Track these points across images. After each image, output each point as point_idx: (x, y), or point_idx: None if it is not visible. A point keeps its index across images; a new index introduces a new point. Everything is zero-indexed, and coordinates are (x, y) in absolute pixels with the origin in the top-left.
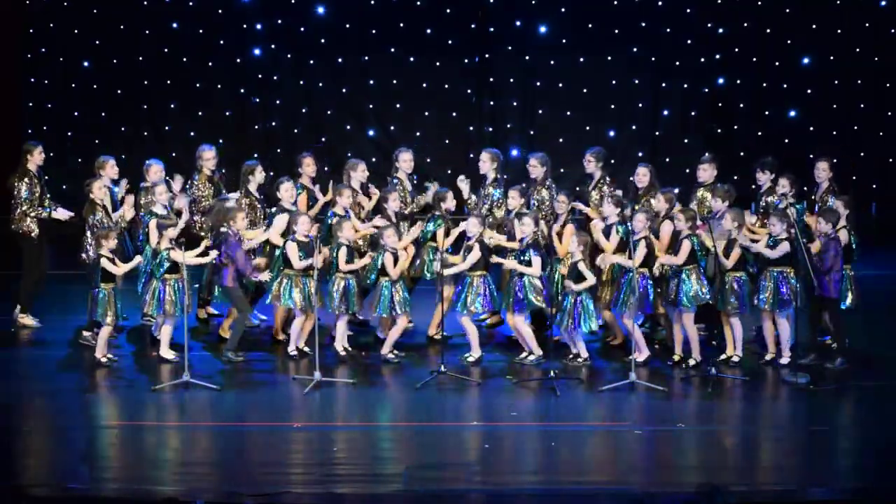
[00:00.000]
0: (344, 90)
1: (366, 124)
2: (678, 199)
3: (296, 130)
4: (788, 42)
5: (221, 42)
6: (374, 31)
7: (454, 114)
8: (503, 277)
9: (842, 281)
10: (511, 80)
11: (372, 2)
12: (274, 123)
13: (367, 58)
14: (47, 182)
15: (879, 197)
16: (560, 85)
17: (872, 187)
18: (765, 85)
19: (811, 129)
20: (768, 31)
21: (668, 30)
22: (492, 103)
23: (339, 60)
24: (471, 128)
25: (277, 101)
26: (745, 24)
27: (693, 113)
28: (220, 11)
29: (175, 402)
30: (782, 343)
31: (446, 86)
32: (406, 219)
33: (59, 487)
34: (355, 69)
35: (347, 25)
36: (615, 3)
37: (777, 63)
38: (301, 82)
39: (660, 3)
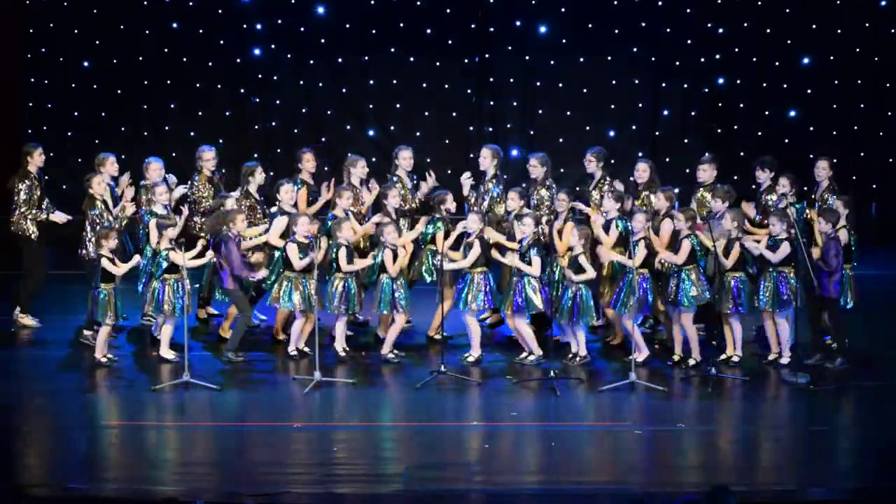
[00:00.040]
0: (344, 90)
1: (366, 124)
2: (678, 200)
3: (296, 130)
4: (788, 42)
5: (221, 42)
6: (374, 31)
7: (454, 114)
8: (504, 277)
9: (841, 281)
10: (511, 80)
11: (372, 2)
12: (274, 123)
13: (367, 58)
14: (47, 182)
15: (879, 197)
16: (560, 85)
17: (872, 187)
18: (765, 85)
19: (811, 128)
20: (768, 31)
21: (668, 30)
22: (492, 103)
23: (339, 60)
24: (471, 128)
25: (277, 101)
26: (745, 24)
27: (693, 113)
28: (220, 11)
29: (175, 402)
30: (782, 343)
31: (446, 86)
32: (406, 216)
33: (59, 487)
34: (355, 69)
35: (347, 25)
36: (615, 3)
37: (777, 63)
38: (301, 82)
39: (660, 3)
